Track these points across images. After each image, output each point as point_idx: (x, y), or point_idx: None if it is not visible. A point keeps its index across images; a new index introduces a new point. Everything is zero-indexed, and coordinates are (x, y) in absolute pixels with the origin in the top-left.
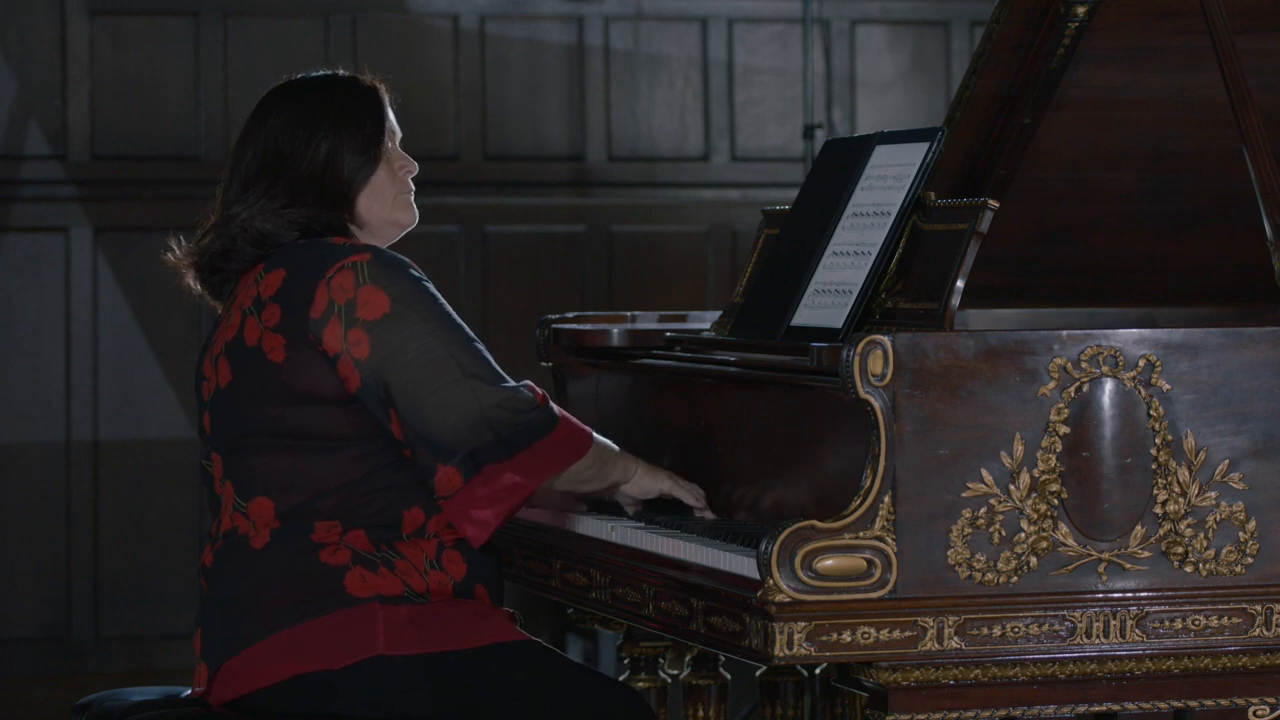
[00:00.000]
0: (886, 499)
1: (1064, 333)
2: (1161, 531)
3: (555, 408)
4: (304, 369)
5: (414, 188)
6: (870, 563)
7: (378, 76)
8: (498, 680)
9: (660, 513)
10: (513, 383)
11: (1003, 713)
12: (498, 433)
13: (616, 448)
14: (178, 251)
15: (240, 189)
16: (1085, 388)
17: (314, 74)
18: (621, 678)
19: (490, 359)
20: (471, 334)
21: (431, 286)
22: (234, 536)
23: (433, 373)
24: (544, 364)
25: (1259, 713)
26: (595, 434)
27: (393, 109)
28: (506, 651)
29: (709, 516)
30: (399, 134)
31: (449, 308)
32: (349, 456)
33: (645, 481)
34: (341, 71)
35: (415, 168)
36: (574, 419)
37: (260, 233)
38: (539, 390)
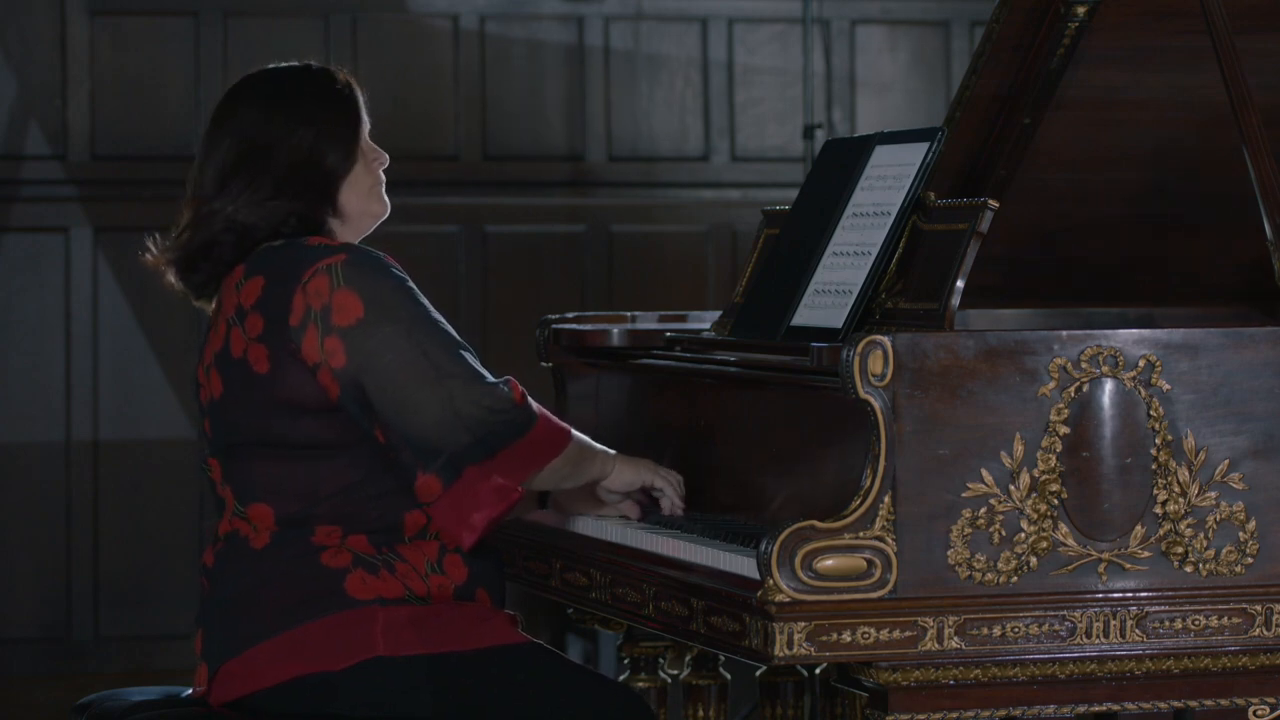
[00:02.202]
0: (886, 499)
1: (1064, 333)
2: (1161, 531)
3: (534, 405)
4: (288, 380)
5: (384, 179)
6: (870, 563)
7: (345, 70)
8: (499, 682)
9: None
10: (492, 379)
11: (1003, 713)
12: (474, 433)
13: (595, 444)
14: (154, 250)
15: (217, 181)
16: (1085, 388)
17: (286, 65)
18: (621, 678)
19: (468, 357)
20: (450, 332)
21: (410, 284)
22: (235, 538)
23: (407, 376)
24: (544, 364)
25: (1259, 713)
26: (573, 430)
27: (364, 101)
28: (508, 653)
29: (678, 513)
30: (369, 125)
31: (427, 306)
32: (344, 462)
33: (626, 475)
34: (314, 63)
35: (386, 159)
36: (552, 416)
37: (243, 226)
38: (519, 387)
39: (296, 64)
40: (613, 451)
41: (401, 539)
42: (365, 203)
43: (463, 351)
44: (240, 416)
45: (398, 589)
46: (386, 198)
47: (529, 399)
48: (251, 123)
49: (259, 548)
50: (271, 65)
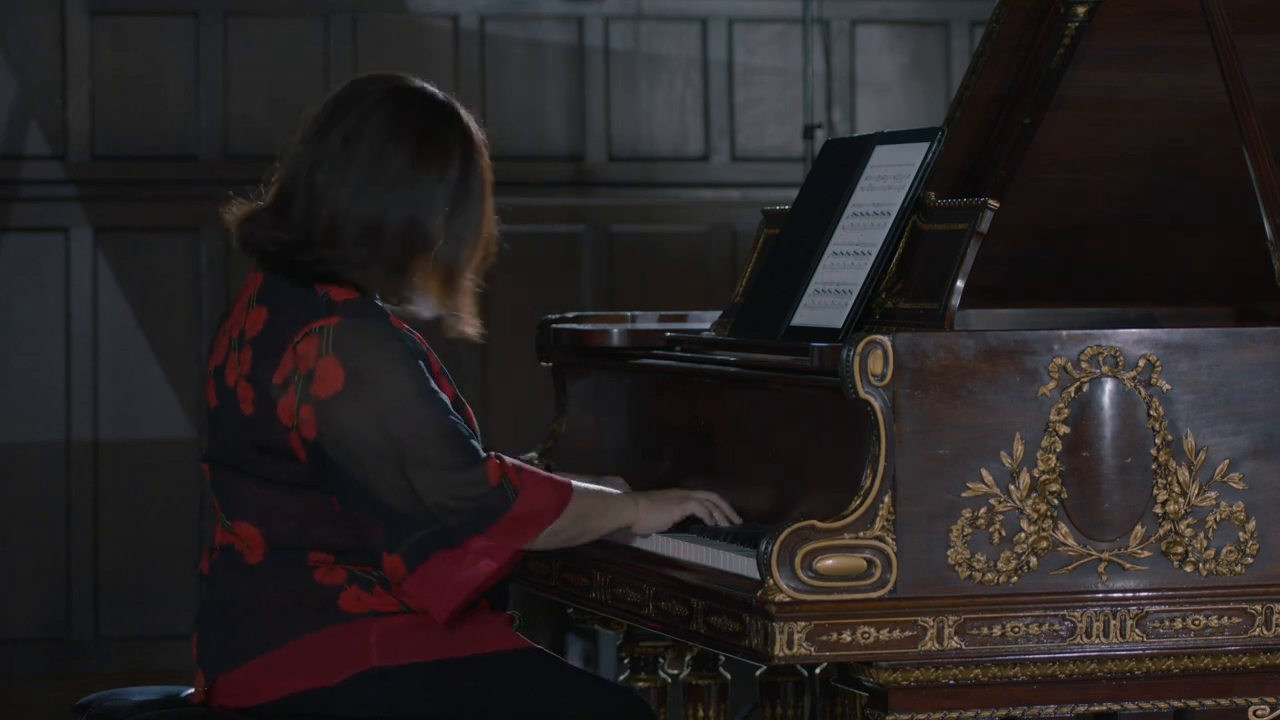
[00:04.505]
0: (886, 499)
1: (1064, 333)
2: (1161, 531)
3: (516, 478)
4: (268, 428)
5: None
6: (870, 563)
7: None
8: (498, 686)
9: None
10: (470, 457)
11: (1003, 713)
12: (443, 521)
13: (612, 491)
14: (239, 210)
15: (361, 230)
16: (1085, 388)
17: (456, 110)
18: (621, 678)
19: (445, 440)
20: (434, 411)
21: (403, 353)
22: (230, 551)
23: (371, 461)
24: (544, 364)
25: (1259, 713)
26: (579, 488)
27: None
28: (507, 658)
29: (722, 524)
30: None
31: (417, 379)
32: (327, 499)
33: (654, 520)
34: (461, 111)
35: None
36: (544, 484)
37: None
38: (499, 464)
39: (462, 113)
40: (617, 492)
41: None
42: (451, 305)
43: (442, 434)
44: (227, 438)
45: (393, 604)
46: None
47: (509, 473)
48: (420, 195)
49: (253, 563)
50: (441, 99)
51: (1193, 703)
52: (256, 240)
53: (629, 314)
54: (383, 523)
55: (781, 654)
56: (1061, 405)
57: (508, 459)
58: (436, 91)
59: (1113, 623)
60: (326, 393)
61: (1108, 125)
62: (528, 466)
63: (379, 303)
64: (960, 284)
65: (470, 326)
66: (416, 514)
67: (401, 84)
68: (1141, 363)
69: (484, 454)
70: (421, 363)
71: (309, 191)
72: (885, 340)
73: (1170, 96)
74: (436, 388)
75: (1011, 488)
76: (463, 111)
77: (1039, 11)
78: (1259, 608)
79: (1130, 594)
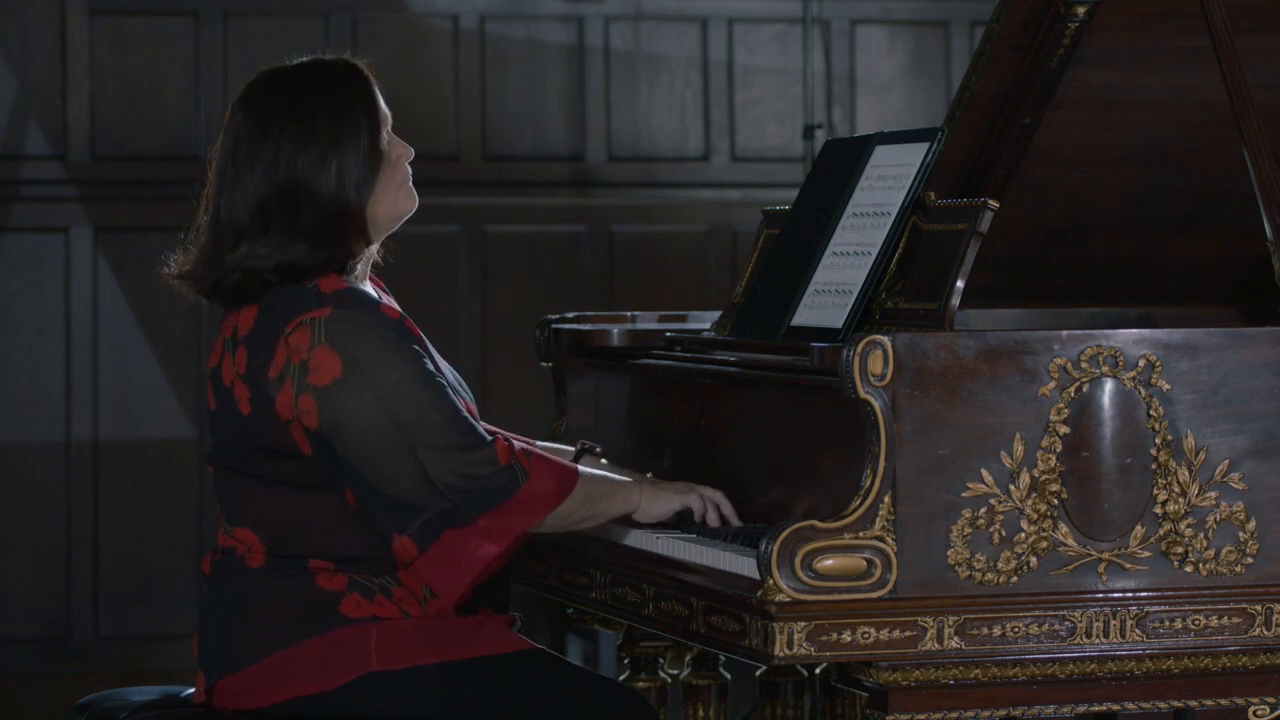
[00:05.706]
0: (886, 499)
1: (1064, 333)
2: (1161, 531)
3: (525, 460)
4: (267, 426)
5: (410, 173)
6: (870, 563)
7: (365, 60)
8: (500, 687)
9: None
10: (476, 438)
11: (1003, 713)
12: (452, 500)
13: (618, 477)
14: (174, 268)
15: (251, 215)
16: (1085, 388)
17: (299, 66)
18: (621, 678)
19: (449, 421)
20: (434, 393)
21: (396, 339)
22: (232, 555)
23: (377, 445)
24: (544, 364)
25: (1259, 713)
26: (585, 472)
27: (379, 90)
28: (508, 660)
29: (714, 523)
30: (390, 118)
31: (414, 362)
32: (327, 499)
33: (656, 507)
34: (327, 58)
35: (411, 153)
36: (552, 467)
37: (274, 268)
38: (506, 445)
39: (307, 64)
40: (626, 478)
41: (397, 565)
42: (391, 207)
43: (443, 416)
44: (226, 439)
45: (394, 612)
46: (414, 192)
47: (519, 455)
48: (284, 155)
49: (255, 567)
50: (283, 66)
51: (1193, 703)
52: (203, 283)
53: (629, 314)
54: (391, 505)
55: (781, 654)
56: (1061, 405)
57: (516, 442)
58: (271, 74)
59: (1113, 623)
60: (324, 381)
61: (1108, 125)
62: (535, 449)
63: (366, 289)
64: (960, 284)
65: (406, 202)
66: (426, 494)
67: (244, 97)
68: (1141, 363)
69: (490, 436)
70: (416, 347)
71: (222, 234)
72: (885, 340)
73: (1170, 96)
74: (435, 370)
75: (1011, 488)
76: (282, 70)
77: (1039, 11)
78: (1259, 608)
79: (1130, 594)
